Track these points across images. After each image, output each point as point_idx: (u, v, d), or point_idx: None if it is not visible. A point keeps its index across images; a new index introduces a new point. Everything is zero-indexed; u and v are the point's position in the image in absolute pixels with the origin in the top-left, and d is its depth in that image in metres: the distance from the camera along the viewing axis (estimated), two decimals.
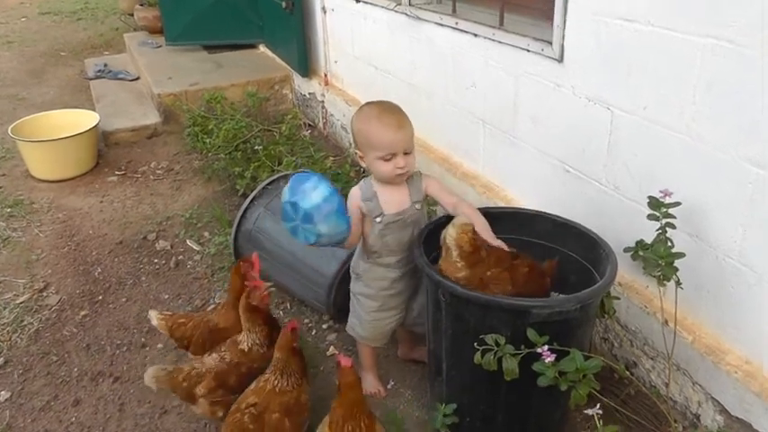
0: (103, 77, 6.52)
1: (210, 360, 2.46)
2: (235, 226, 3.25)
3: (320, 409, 2.34)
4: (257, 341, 2.44)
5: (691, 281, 2.24)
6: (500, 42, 3.01)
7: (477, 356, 2.00)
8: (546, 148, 2.88)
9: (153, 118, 5.45)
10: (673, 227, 2.12)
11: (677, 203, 2.11)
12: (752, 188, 2.03)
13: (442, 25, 3.45)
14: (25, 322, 3.24)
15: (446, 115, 3.60)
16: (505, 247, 2.27)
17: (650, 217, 2.13)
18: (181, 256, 3.73)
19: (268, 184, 3.29)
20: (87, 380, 2.89)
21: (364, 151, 2.34)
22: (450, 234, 2.11)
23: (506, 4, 3.05)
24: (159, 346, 3.04)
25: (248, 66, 5.98)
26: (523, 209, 2.76)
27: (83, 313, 3.31)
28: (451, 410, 2.32)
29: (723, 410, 2.23)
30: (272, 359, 2.37)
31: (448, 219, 2.49)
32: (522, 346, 1.97)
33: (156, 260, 3.71)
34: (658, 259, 2.09)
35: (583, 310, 2.07)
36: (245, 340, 2.45)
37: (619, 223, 2.51)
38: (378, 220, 2.38)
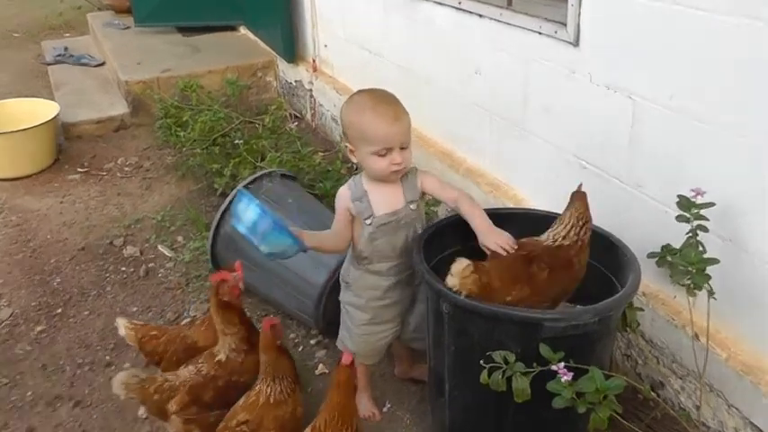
0: (64, 62, 6.50)
1: (186, 372, 2.45)
2: (212, 229, 3.23)
3: None
4: (233, 345, 2.44)
5: (725, 290, 2.23)
6: (508, 24, 3.01)
7: (484, 375, 1.98)
8: (560, 141, 2.87)
9: (120, 108, 5.44)
10: (705, 230, 2.11)
11: (710, 204, 2.10)
12: None
13: (442, 4, 3.44)
14: None
15: (448, 105, 3.59)
16: (510, 243, 2.25)
17: (679, 218, 2.12)
18: (151, 264, 3.72)
19: (250, 183, 3.27)
20: (43, 405, 2.86)
21: (356, 145, 2.33)
22: (452, 284, 2.11)
23: None
24: (127, 365, 3.02)
25: (227, 50, 5.97)
26: (535, 209, 2.75)
27: (39, 329, 3.28)
28: None
29: None
30: (251, 371, 2.37)
31: (451, 222, 2.49)
32: (535, 364, 1.96)
33: (123, 268, 3.69)
34: (688, 266, 2.08)
35: (602, 322, 2.05)
36: (222, 349, 2.45)
37: (643, 226, 2.51)
38: (368, 222, 2.38)
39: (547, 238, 2.25)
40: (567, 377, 1.90)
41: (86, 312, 3.38)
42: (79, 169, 4.81)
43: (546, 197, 3.00)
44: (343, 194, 2.42)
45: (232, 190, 3.37)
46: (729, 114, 2.15)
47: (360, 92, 2.43)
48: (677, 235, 2.16)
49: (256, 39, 6.07)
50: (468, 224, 2.38)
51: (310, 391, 2.81)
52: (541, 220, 2.49)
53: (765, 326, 2.21)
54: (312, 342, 3.11)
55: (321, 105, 5.07)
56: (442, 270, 2.28)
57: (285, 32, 5.24)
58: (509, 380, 1.97)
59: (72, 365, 3.05)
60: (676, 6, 2.22)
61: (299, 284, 3.00)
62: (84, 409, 2.82)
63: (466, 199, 2.40)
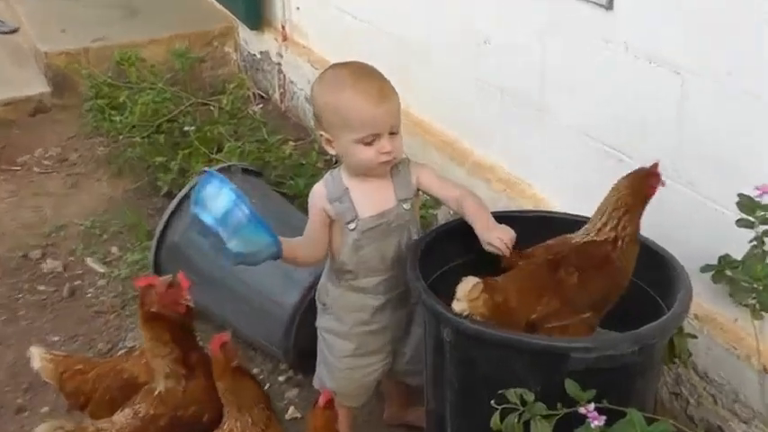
0: None
1: (122, 418, 2.43)
2: (156, 238, 3.23)
3: None
4: (167, 369, 2.41)
5: None
6: None
7: (496, 419, 1.97)
8: (588, 127, 2.88)
9: (38, 86, 5.40)
10: None
11: None
12: None
13: None
14: None
15: (450, 83, 3.59)
16: (511, 237, 2.28)
17: (740, 223, 2.13)
18: (78, 282, 3.70)
19: None
20: None
21: (334, 133, 2.33)
22: (459, 309, 2.12)
23: None
24: (44, 409, 2.99)
25: (175, 13, 5.94)
26: (558, 213, 2.76)
27: None
28: None
29: None
30: (198, 400, 2.37)
31: (454, 228, 2.49)
32: (559, 405, 1.95)
33: (41, 287, 3.67)
34: (753, 281, 2.09)
35: (644, 353, 2.05)
36: (158, 378, 2.42)
37: (694, 232, 2.51)
38: (351, 226, 2.38)
39: (579, 235, 2.27)
40: (598, 422, 1.89)
41: None
42: None
43: (572, 197, 3.00)
44: (318, 193, 2.42)
45: (180, 189, 3.36)
46: None
47: (334, 67, 2.43)
48: (738, 243, 2.16)
49: None
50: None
51: None
52: (566, 226, 2.50)
53: None
54: (281, 379, 3.10)
55: (292, 83, 5.07)
56: (442, 287, 2.28)
57: None
58: (526, 424, 1.95)
59: None
60: None
61: (265, 306, 2.99)
62: None
63: (471, 198, 2.41)
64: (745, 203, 2.13)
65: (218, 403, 2.37)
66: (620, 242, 2.21)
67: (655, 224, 2.51)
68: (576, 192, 2.99)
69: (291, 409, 2.96)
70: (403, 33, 3.86)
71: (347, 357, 2.54)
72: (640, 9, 2.57)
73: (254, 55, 5.50)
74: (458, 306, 2.10)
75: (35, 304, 3.57)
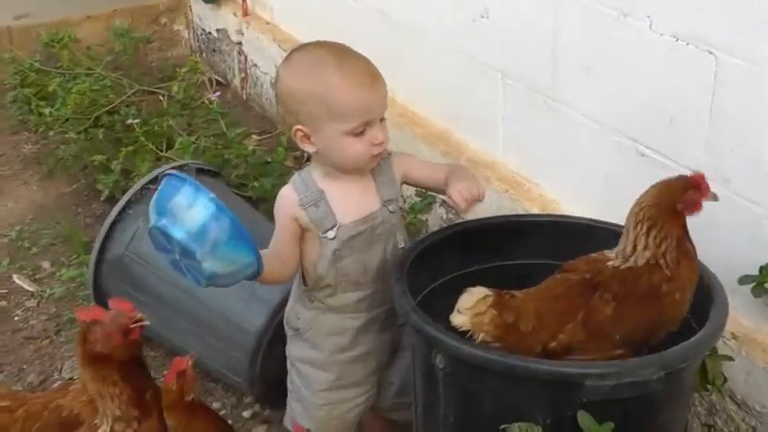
0: None
1: None
2: (95, 251, 3.23)
3: None
4: (120, 412, 2.40)
5: None
6: None
7: None
8: (606, 116, 2.90)
9: None
10: None
11: None
12: None
13: None
14: None
15: (443, 65, 3.61)
16: (476, 192, 2.31)
17: None
18: (2, 303, 3.71)
19: (150, 182, 3.27)
20: None
21: (317, 126, 2.32)
22: (460, 323, 2.12)
23: None
24: None
25: None
26: (572, 216, 2.77)
27: None
28: None
29: None
30: None
31: (449, 236, 2.52)
32: None
33: None
34: None
35: (671, 379, 2.06)
36: (104, 419, 2.40)
37: (731, 238, 2.53)
38: (330, 235, 2.38)
39: (615, 255, 2.24)
40: None
41: None
42: None
43: (587, 199, 3.03)
44: (287, 198, 2.42)
45: (123, 193, 3.36)
46: None
47: (305, 48, 2.42)
48: None
49: None
50: (475, 240, 2.41)
51: None
52: (581, 231, 2.53)
53: None
54: (246, 414, 3.12)
55: (255, 66, 5.08)
56: (435, 306, 2.29)
57: None
58: None
59: None
60: None
61: (226, 330, 3.00)
62: None
63: (460, 170, 2.46)
64: None
65: None
66: (662, 261, 2.17)
67: None
68: (593, 192, 3.01)
69: None
70: (390, 8, 3.88)
71: (325, 391, 2.54)
72: None
73: (210, 33, 5.51)
74: (457, 319, 2.10)
75: None
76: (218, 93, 5.14)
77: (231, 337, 2.99)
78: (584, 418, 1.98)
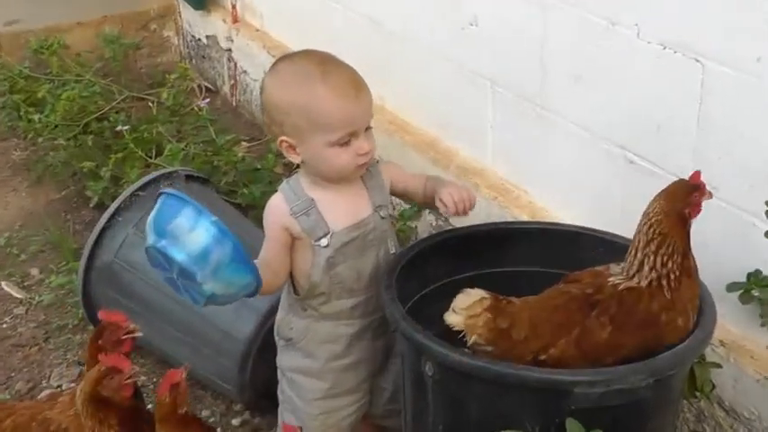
0: None
1: None
2: (85, 258, 3.22)
3: None
4: None
5: None
6: None
7: None
8: (595, 124, 2.91)
9: None
10: None
11: None
12: None
13: None
14: None
15: (432, 73, 3.61)
16: (468, 199, 2.33)
17: None
18: None
19: (140, 189, 3.27)
20: None
21: (302, 138, 2.32)
22: (454, 323, 2.12)
23: None
24: None
25: None
26: (561, 224, 2.79)
27: None
28: None
29: None
30: None
31: (439, 243, 2.52)
32: None
33: None
34: None
35: (660, 386, 2.06)
36: None
37: (719, 245, 2.54)
38: (323, 242, 2.38)
39: (621, 270, 2.21)
40: None
41: None
42: None
43: (576, 206, 3.04)
44: (277, 208, 2.41)
45: (112, 199, 3.36)
46: None
47: (290, 58, 2.43)
48: None
49: None
50: (465, 247, 2.41)
51: None
52: (569, 239, 2.54)
53: None
54: (235, 422, 3.11)
55: (245, 72, 5.07)
56: (425, 312, 2.30)
57: None
58: None
59: None
60: None
61: (215, 338, 3.00)
62: None
63: (437, 177, 2.48)
64: None
65: None
66: (665, 282, 2.15)
67: None
68: (582, 199, 3.02)
69: None
70: (379, 16, 3.88)
71: (320, 400, 2.53)
72: None
73: (200, 40, 5.50)
74: (452, 318, 2.10)
75: None
76: (208, 99, 5.12)
77: (220, 344, 2.99)
78: (572, 425, 1.98)
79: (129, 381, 2.37)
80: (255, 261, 2.32)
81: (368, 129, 2.34)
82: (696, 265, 2.19)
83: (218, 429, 3.06)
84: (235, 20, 5.10)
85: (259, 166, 4.08)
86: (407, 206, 3.64)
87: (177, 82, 4.82)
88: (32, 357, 3.43)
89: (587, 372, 2.09)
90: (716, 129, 2.51)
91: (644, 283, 2.15)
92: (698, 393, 2.31)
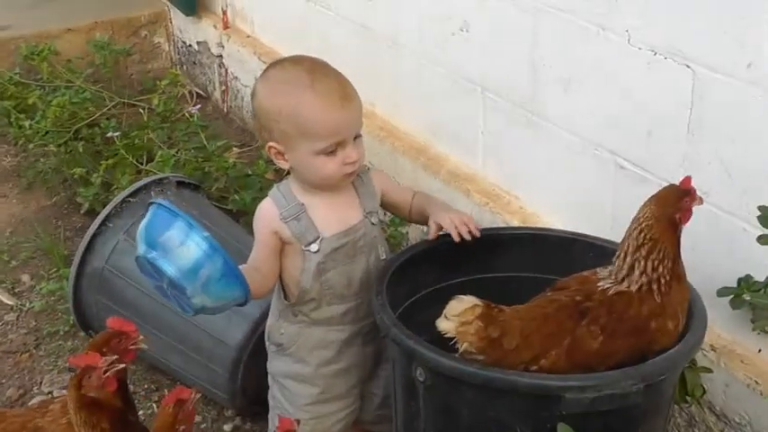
0: None
1: None
2: (76, 264, 3.21)
3: None
4: None
5: None
6: None
7: None
8: (586, 130, 2.91)
9: None
10: None
11: None
12: None
13: None
14: None
15: (422, 78, 3.61)
16: (469, 224, 2.34)
17: (763, 240, 2.17)
18: None
19: (131, 196, 3.27)
20: None
21: (290, 144, 2.33)
22: (446, 329, 2.12)
23: None
24: None
25: None
26: (552, 229, 2.79)
27: None
28: None
29: None
30: None
31: (430, 249, 2.52)
32: None
33: None
34: None
35: (650, 391, 2.06)
36: None
37: (709, 250, 2.54)
38: (313, 248, 2.38)
39: (609, 274, 2.21)
40: None
41: None
42: None
43: (567, 211, 3.05)
44: (267, 212, 2.42)
45: (103, 206, 3.35)
46: None
47: (281, 64, 2.43)
48: (760, 263, 2.20)
49: None
50: (455, 253, 2.41)
51: None
52: (560, 245, 2.55)
53: None
54: (227, 428, 3.11)
55: (236, 78, 5.07)
56: (416, 318, 2.30)
57: None
58: None
59: None
60: None
61: (206, 344, 3.00)
62: None
63: (432, 198, 2.51)
64: None
65: None
66: (655, 287, 2.15)
67: None
68: (572, 205, 3.02)
69: None
70: (369, 22, 3.88)
71: (310, 405, 2.53)
72: None
73: (190, 46, 5.50)
74: (443, 325, 2.09)
75: None
76: (199, 105, 5.12)
77: (211, 350, 2.99)
78: (564, 430, 1.98)
79: (108, 373, 2.33)
80: (244, 265, 2.35)
81: (357, 137, 2.34)
82: (685, 271, 2.20)
83: None
84: (225, 26, 5.10)
85: (250, 173, 4.08)
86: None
87: (168, 88, 4.82)
88: (23, 364, 3.42)
89: (578, 377, 2.08)
90: (706, 134, 2.51)
91: (634, 288, 2.15)
92: (689, 398, 2.32)
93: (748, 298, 2.19)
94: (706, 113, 2.50)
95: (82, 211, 4.20)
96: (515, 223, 3.16)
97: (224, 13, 5.11)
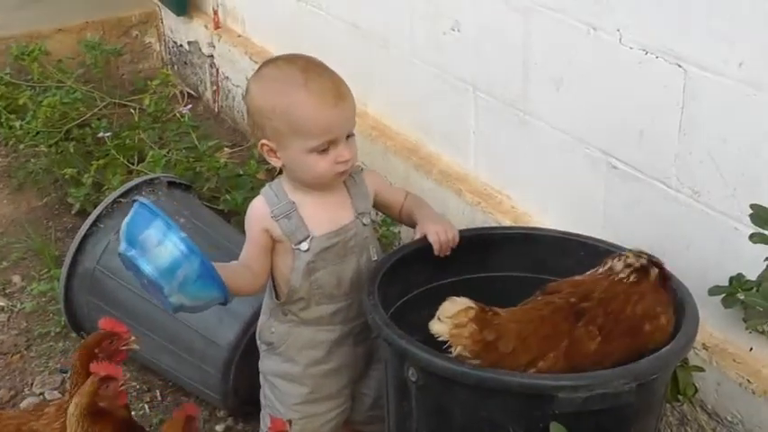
0: None
1: None
2: (67, 265, 3.21)
3: None
4: None
5: None
6: None
7: None
8: (578, 129, 2.91)
9: None
10: None
11: None
12: None
13: None
14: None
15: (413, 78, 3.61)
16: (453, 236, 2.35)
17: (755, 238, 2.15)
18: None
19: (122, 196, 3.26)
20: None
21: (282, 142, 2.33)
22: (439, 332, 2.11)
23: None
24: None
25: None
26: (543, 229, 2.78)
27: None
28: None
29: None
30: None
31: (422, 249, 2.50)
32: None
33: None
34: None
35: (642, 390, 2.06)
36: None
37: (701, 249, 2.54)
38: (303, 247, 2.38)
39: (598, 273, 2.23)
40: None
41: None
42: None
43: (558, 211, 3.05)
44: (258, 210, 2.41)
45: (94, 206, 3.34)
46: None
47: (275, 62, 2.43)
48: (752, 262, 2.19)
49: None
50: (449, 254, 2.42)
51: None
52: (552, 245, 2.54)
53: None
54: (219, 428, 3.10)
55: (227, 78, 5.07)
56: (408, 318, 2.30)
57: None
58: None
59: None
60: None
61: (198, 344, 2.99)
62: None
63: (414, 195, 2.50)
64: (760, 215, 2.14)
65: None
66: (645, 293, 2.18)
67: (655, 240, 2.55)
68: (564, 205, 3.02)
69: None
70: (360, 21, 3.88)
71: (300, 404, 2.53)
72: None
73: (181, 46, 5.49)
74: (436, 327, 2.08)
75: None
76: (190, 106, 5.09)
77: (203, 351, 2.99)
78: (557, 429, 1.98)
79: (123, 388, 2.36)
80: (235, 262, 2.38)
81: (350, 136, 2.34)
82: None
83: None
84: (216, 26, 5.09)
85: (241, 173, 4.07)
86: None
87: (159, 88, 4.81)
88: (14, 365, 3.42)
89: (571, 377, 2.08)
90: (698, 134, 2.51)
91: (623, 279, 2.20)
92: (681, 397, 2.32)
93: (740, 297, 2.19)
94: (698, 113, 2.50)
95: (73, 212, 4.19)
96: (507, 223, 3.15)
97: (215, 12, 5.10)
